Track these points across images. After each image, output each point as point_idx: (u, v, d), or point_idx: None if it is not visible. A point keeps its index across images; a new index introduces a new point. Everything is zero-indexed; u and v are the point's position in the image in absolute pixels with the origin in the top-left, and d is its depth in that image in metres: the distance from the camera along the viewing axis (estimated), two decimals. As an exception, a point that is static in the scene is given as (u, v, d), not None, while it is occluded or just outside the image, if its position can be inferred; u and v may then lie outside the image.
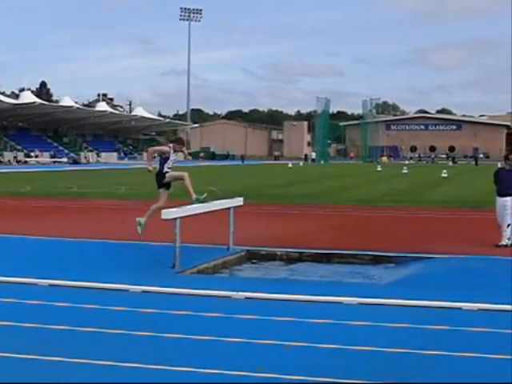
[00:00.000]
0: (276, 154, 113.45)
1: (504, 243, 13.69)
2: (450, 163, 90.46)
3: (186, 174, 12.34)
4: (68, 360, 6.10)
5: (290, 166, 70.93)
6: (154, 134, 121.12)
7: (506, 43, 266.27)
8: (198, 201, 12.21)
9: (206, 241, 13.70)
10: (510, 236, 13.76)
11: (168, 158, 12.31)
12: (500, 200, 13.96)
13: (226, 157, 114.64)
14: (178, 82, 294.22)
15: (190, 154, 13.45)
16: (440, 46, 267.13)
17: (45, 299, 8.68)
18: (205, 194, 12.51)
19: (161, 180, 12.35)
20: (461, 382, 5.67)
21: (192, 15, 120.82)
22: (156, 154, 12.90)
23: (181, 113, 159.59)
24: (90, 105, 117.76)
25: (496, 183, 14.26)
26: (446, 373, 5.93)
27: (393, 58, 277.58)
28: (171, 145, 12.54)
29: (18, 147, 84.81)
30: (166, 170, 12.27)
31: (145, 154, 13.58)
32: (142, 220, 12.56)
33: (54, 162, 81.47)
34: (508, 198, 13.80)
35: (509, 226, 13.72)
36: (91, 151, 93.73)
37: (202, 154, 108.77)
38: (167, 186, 12.46)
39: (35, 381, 5.61)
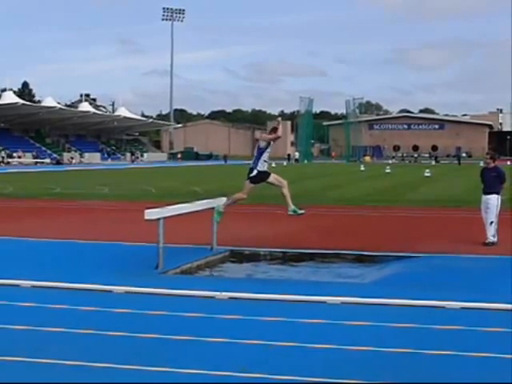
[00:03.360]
0: None
1: (490, 241, 13.77)
2: (433, 162, 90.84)
3: (285, 183, 12.07)
4: (51, 361, 6.07)
5: (273, 165, 70.87)
6: (137, 134, 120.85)
7: (488, 43, 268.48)
8: (295, 213, 12.15)
9: (190, 241, 13.66)
10: (495, 233, 13.87)
11: (263, 151, 11.89)
12: (484, 198, 14.14)
13: (209, 157, 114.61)
14: (160, 83, 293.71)
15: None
16: (422, 46, 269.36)
17: (28, 300, 8.60)
18: (303, 211, 12.41)
19: (255, 177, 11.92)
20: (446, 382, 5.68)
21: (175, 15, 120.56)
22: (263, 142, 12.00)
23: (164, 113, 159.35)
24: (73, 105, 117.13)
25: (482, 182, 14.44)
26: (431, 372, 5.93)
27: (375, 58, 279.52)
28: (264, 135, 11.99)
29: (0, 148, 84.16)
30: (260, 166, 11.90)
31: (265, 138, 13.06)
32: (221, 208, 12.37)
33: (37, 162, 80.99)
34: (490, 196, 13.98)
35: (491, 223, 13.83)
36: (74, 152, 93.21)
37: (179, 155, 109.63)
38: (256, 182, 12.01)
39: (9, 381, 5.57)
